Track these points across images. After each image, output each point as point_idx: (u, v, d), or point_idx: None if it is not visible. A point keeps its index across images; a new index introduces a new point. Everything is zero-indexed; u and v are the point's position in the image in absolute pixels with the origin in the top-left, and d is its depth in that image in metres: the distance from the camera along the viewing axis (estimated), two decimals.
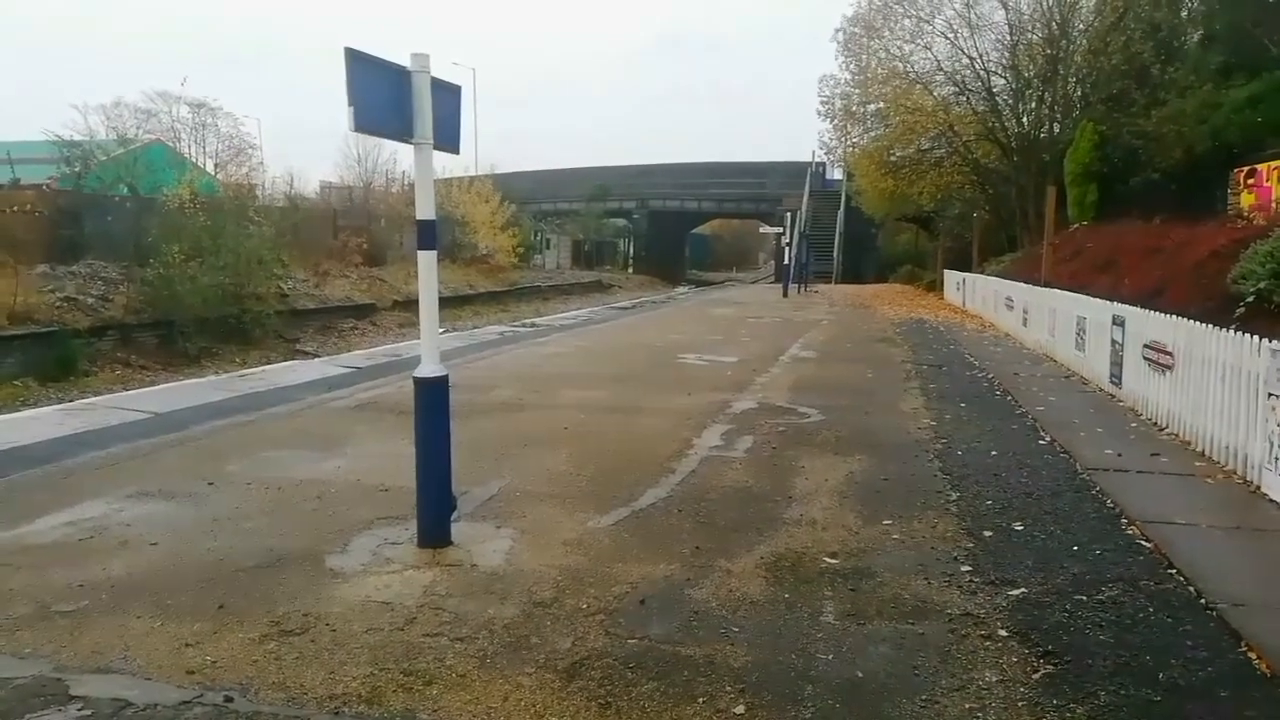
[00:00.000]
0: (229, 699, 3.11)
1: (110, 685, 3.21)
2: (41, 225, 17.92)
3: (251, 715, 3.01)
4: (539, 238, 48.79)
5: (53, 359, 14.16)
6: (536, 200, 52.12)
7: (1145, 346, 8.39)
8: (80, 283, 16.88)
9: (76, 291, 16.43)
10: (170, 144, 31.15)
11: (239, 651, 3.46)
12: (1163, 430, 7.73)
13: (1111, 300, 10.21)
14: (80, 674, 3.28)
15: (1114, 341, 9.48)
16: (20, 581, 4.13)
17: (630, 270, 57.25)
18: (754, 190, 53.64)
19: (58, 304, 15.72)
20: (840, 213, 41.66)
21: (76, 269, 17.39)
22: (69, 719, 2.99)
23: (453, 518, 4.76)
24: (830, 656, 3.48)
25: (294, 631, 3.64)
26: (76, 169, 20.56)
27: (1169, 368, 7.73)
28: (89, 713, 3.02)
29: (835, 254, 41.10)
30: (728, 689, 3.21)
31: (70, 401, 10.54)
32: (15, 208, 17.51)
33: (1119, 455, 6.84)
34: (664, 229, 60.55)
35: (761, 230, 44.25)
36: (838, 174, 44.16)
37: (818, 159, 42.75)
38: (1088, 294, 11.70)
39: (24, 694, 3.14)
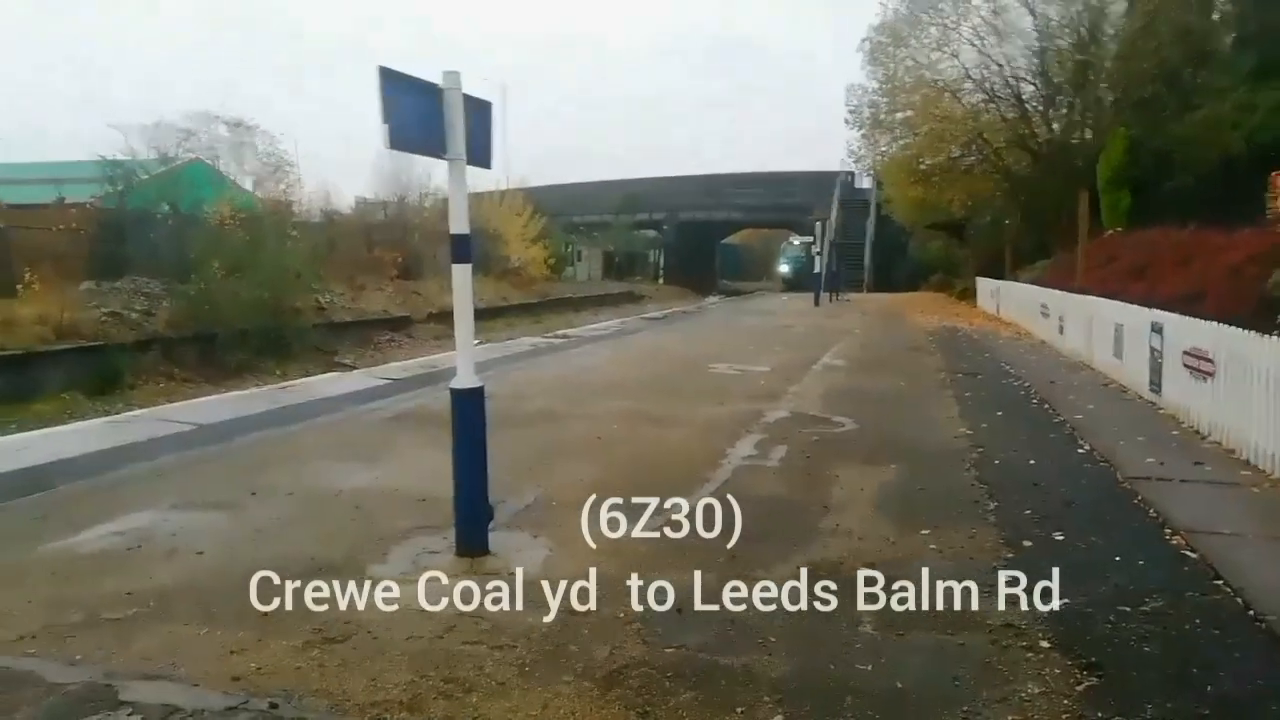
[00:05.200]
0: (274, 705, 3.17)
1: (158, 691, 3.28)
2: (86, 243, 18.34)
3: None
4: (570, 250, 48.99)
5: (98, 373, 14.44)
6: (567, 213, 52.27)
7: (1185, 353, 8.24)
8: (124, 298, 17.22)
9: (120, 307, 16.76)
10: (210, 162, 31.73)
11: (283, 658, 3.52)
12: (1205, 438, 7.58)
13: (1147, 306, 10.04)
14: (129, 680, 3.36)
15: (1153, 349, 9.32)
16: (71, 590, 4.24)
17: (661, 281, 57.15)
18: (782, 199, 53.27)
19: (102, 319, 16.04)
20: (870, 221, 41.42)
21: (120, 285, 17.73)
22: None
23: (490, 527, 4.81)
24: (869, 667, 3.46)
25: (336, 639, 3.69)
26: (119, 188, 21.01)
27: (1210, 375, 7.58)
28: (138, 718, 3.09)
29: (866, 262, 40.87)
30: (766, 699, 3.21)
31: (116, 414, 10.77)
32: (61, 226, 17.94)
33: (1161, 464, 6.73)
34: (693, 239, 60.43)
35: (792, 240, 43.98)
36: (866, 183, 43.85)
37: (846, 168, 42.52)
38: (1122, 300, 11.52)
39: (75, 700, 3.22)
